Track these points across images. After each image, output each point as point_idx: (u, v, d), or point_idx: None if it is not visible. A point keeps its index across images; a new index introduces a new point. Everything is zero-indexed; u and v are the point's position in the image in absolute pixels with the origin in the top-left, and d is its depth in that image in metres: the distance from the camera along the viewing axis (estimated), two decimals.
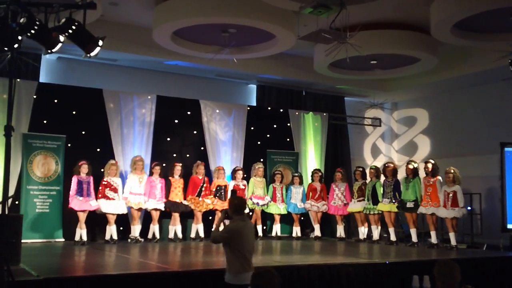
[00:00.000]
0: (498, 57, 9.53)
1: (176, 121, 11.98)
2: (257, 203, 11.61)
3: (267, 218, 12.23)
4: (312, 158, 13.44)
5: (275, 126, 13.18)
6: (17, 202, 9.97)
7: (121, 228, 10.61)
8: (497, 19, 9.19)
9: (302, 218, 12.36)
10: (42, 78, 10.94)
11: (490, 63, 10.71)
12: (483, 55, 11.16)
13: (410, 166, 10.87)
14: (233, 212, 5.46)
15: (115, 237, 10.14)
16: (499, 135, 11.70)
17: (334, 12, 7.62)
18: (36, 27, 5.17)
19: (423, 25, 10.17)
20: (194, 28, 9.68)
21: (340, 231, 11.97)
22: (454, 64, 12.01)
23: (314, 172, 12.34)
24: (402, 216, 11.75)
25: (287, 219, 12.14)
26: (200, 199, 10.98)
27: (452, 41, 10.06)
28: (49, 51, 5.65)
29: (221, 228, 5.55)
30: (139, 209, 10.49)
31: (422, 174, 10.83)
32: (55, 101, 10.73)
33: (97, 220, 10.34)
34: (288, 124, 13.31)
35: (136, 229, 10.47)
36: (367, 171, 11.77)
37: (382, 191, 11.16)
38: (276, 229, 11.89)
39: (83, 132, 10.90)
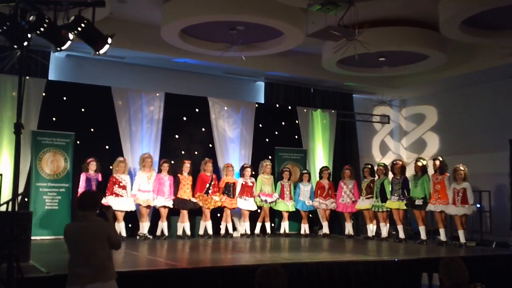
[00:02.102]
0: (506, 54, 9.49)
1: (185, 118, 11.99)
2: (265, 200, 11.61)
3: (275, 216, 12.22)
4: (320, 155, 13.42)
5: (283, 123, 13.17)
6: (26, 199, 10.03)
7: (130, 225, 10.64)
8: (506, 16, 9.14)
9: (310, 215, 12.35)
10: (51, 76, 10.99)
11: (499, 60, 10.67)
12: (491, 52, 11.09)
13: (419, 164, 10.84)
14: (78, 208, 4.70)
15: (123, 234, 10.17)
16: (508, 132, 11.65)
17: (342, 9, 7.60)
18: (45, 25, 5.19)
19: (431, 22, 10.12)
20: (202, 25, 9.68)
21: (349, 228, 11.95)
22: (463, 61, 11.95)
23: (323, 169, 12.32)
24: (410, 214, 11.71)
25: (295, 217, 12.14)
26: (208, 196, 10.99)
27: (461, 38, 10.00)
28: (58, 49, 5.68)
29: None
30: (148, 206, 10.52)
31: (430, 171, 10.80)
32: (64, 98, 10.77)
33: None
34: (296, 122, 13.29)
35: (144, 226, 10.50)
36: (376, 168, 11.74)
37: (390, 189, 11.13)
38: (285, 226, 11.89)
39: (92, 130, 10.93)
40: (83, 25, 5.57)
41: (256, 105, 12.86)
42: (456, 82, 13.03)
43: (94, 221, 4.57)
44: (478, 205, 11.24)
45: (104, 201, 10.05)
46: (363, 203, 11.63)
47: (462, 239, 10.02)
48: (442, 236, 10.38)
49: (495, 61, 11.17)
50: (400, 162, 11.41)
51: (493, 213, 11.87)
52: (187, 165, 11.03)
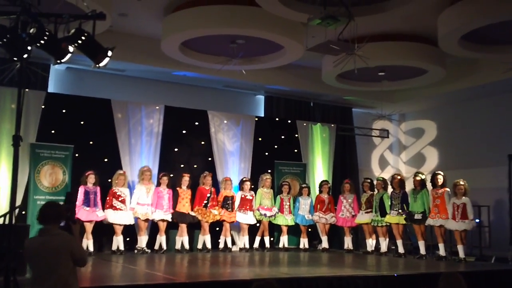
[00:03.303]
0: (506, 69, 9.52)
1: (184, 131, 11.98)
2: (265, 214, 11.57)
3: (274, 230, 12.18)
4: (320, 169, 13.41)
5: (283, 137, 13.17)
6: (24, 212, 9.97)
7: (128, 239, 10.59)
8: (504, 31, 9.18)
9: (309, 229, 12.31)
10: (51, 88, 10.99)
11: (498, 74, 10.70)
12: (491, 66, 11.13)
13: (418, 178, 10.85)
14: (38, 221, 4.43)
15: (121, 247, 10.13)
16: (507, 147, 11.63)
17: (342, 24, 7.61)
18: (45, 38, 5.20)
19: (431, 37, 10.16)
20: (203, 39, 9.71)
21: (348, 243, 11.91)
22: (462, 76, 11.98)
23: (322, 183, 12.30)
24: (410, 228, 11.68)
25: (294, 231, 12.09)
26: (207, 209, 10.95)
27: (460, 53, 10.04)
28: (58, 61, 5.68)
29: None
30: (146, 220, 10.48)
31: (429, 186, 10.78)
32: (63, 111, 10.76)
33: (103, 231, 10.33)
34: (296, 135, 13.30)
35: (143, 240, 10.45)
36: (375, 182, 11.73)
37: (389, 203, 11.11)
38: (284, 240, 11.84)
39: (91, 142, 10.91)
40: (83, 37, 5.58)
41: (256, 119, 12.86)
42: (455, 96, 13.05)
43: (56, 235, 4.28)
44: (478, 220, 11.21)
45: (103, 214, 10.03)
46: (363, 218, 11.60)
47: (461, 254, 9.99)
48: (442, 251, 10.35)
49: (494, 75, 11.20)
50: (399, 177, 11.42)
51: (492, 228, 11.83)
52: (186, 178, 11.00)
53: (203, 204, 10.95)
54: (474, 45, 9.84)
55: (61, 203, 6.44)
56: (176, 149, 11.86)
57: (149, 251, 10.44)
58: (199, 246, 11.00)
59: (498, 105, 12.69)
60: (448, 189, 10.37)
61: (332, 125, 13.81)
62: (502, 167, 11.28)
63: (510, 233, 10.83)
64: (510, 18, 8.47)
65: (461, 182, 10.16)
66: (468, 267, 9.19)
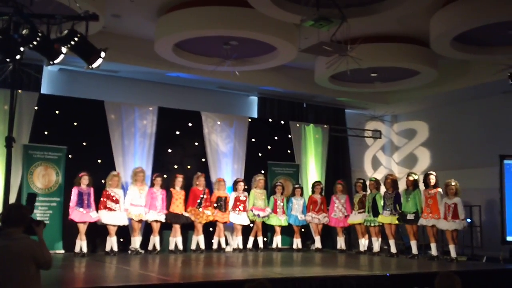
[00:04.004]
0: (497, 70, 9.58)
1: (178, 132, 11.99)
2: (258, 215, 11.60)
3: (267, 230, 12.21)
4: (312, 170, 13.45)
5: (276, 138, 13.20)
6: None
7: (122, 240, 10.59)
8: (496, 33, 9.24)
9: (303, 230, 12.35)
10: (44, 90, 10.97)
11: (490, 76, 10.76)
12: (482, 68, 11.19)
13: (411, 178, 10.91)
14: (2, 224, 4.11)
15: (115, 248, 10.13)
16: (499, 148, 11.72)
17: (335, 25, 7.65)
18: (38, 39, 5.21)
19: (423, 39, 10.22)
20: (196, 40, 9.73)
21: (341, 243, 11.95)
22: (454, 77, 12.04)
23: (315, 184, 12.34)
24: (402, 228, 11.74)
25: (287, 231, 12.12)
26: (201, 210, 10.97)
27: (452, 54, 10.10)
28: (51, 62, 5.69)
29: None
30: (140, 221, 10.48)
31: (422, 186, 10.84)
32: (57, 112, 10.75)
33: (97, 232, 10.32)
34: (289, 136, 13.33)
35: (136, 241, 10.45)
36: (367, 183, 11.78)
37: (382, 203, 11.17)
38: (277, 241, 11.87)
39: (84, 143, 10.90)
40: (76, 39, 5.60)
41: (249, 120, 12.89)
42: (447, 98, 13.13)
43: (19, 239, 4.01)
44: (469, 220, 11.27)
45: (97, 215, 10.03)
46: (355, 218, 11.65)
47: (453, 253, 10.05)
48: (434, 251, 10.41)
49: (486, 77, 11.27)
50: (392, 177, 11.47)
51: (483, 228, 11.90)
52: (179, 179, 11.01)
53: (197, 205, 10.96)
54: (466, 46, 9.91)
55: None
56: (169, 150, 11.86)
57: (142, 251, 10.45)
58: (193, 246, 11.01)
59: (489, 106, 12.77)
60: (440, 190, 10.43)
61: (325, 126, 13.85)
62: (493, 167, 11.34)
63: (501, 233, 10.90)
64: (502, 20, 8.53)
65: (453, 183, 10.22)
66: (460, 267, 9.24)
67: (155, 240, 10.62)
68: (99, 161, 11.02)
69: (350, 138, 14.64)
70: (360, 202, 11.64)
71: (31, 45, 5.22)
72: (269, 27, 9.20)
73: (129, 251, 10.37)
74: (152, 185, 10.84)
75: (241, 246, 11.41)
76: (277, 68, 11.55)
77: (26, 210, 4.28)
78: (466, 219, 10.37)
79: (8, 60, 5.07)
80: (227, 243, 11.51)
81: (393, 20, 9.50)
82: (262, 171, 12.43)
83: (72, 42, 5.60)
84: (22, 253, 3.95)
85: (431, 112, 14.43)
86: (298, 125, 13.48)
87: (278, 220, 11.82)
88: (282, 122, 13.36)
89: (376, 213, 11.21)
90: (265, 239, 12.06)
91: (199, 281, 7.00)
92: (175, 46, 10.04)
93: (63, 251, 10.20)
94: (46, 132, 10.55)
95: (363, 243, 11.65)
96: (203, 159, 12.09)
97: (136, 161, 11.25)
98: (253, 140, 12.77)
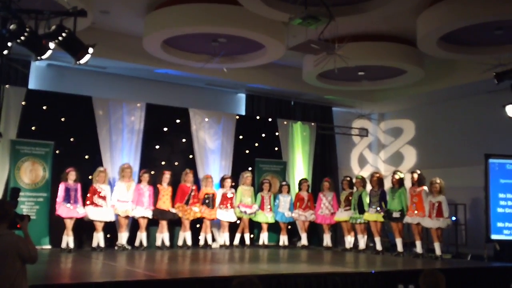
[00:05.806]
0: (483, 70, 9.67)
1: (165, 129, 11.99)
2: (245, 212, 11.63)
3: (254, 227, 12.25)
4: (300, 167, 13.51)
5: (263, 135, 13.24)
6: None
7: (108, 236, 10.57)
8: (483, 33, 9.34)
9: (289, 227, 12.40)
10: (32, 85, 10.92)
11: (476, 75, 10.85)
12: (469, 67, 11.29)
13: (396, 176, 10.99)
14: None
15: (102, 244, 10.12)
16: (484, 147, 11.85)
17: (323, 24, 7.69)
18: (26, 34, 5.22)
19: (410, 38, 10.30)
20: (185, 37, 9.74)
21: (327, 240, 12.03)
22: (441, 76, 12.15)
23: (302, 181, 12.40)
24: (388, 226, 11.83)
25: (274, 228, 12.17)
26: (188, 207, 10.99)
27: (438, 54, 10.19)
28: (39, 58, 5.69)
29: None
30: (127, 217, 10.48)
31: (408, 184, 10.94)
32: (44, 107, 10.72)
33: (84, 227, 10.32)
34: (277, 133, 13.38)
35: (123, 237, 10.46)
36: (354, 180, 11.86)
37: (368, 201, 11.25)
38: (263, 237, 11.92)
39: (72, 139, 10.88)
40: (64, 34, 5.60)
41: (237, 117, 12.92)
42: (433, 97, 13.23)
43: (3, 236, 4.01)
44: (454, 218, 11.39)
45: (84, 211, 10.01)
46: (342, 215, 11.72)
47: (438, 251, 10.14)
48: (419, 249, 10.51)
49: (472, 76, 11.37)
50: (378, 175, 11.55)
51: (468, 226, 12.03)
52: (167, 175, 11.02)
53: (184, 201, 10.98)
54: (452, 46, 10.00)
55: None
56: (157, 147, 11.86)
57: (129, 247, 10.46)
58: (180, 243, 11.03)
59: (475, 105, 12.88)
60: (425, 188, 10.51)
61: (312, 124, 13.92)
62: (478, 166, 11.46)
63: (486, 231, 11.02)
64: (488, 20, 8.62)
65: (437, 181, 10.31)
66: (445, 265, 9.32)
67: (142, 236, 10.62)
68: (87, 157, 11.00)
69: (337, 136, 14.72)
70: (346, 200, 11.72)
71: (19, 41, 5.22)
72: (257, 25, 9.23)
73: (116, 247, 10.37)
74: (139, 181, 10.83)
75: (227, 243, 11.45)
76: (265, 65, 11.58)
77: (9, 205, 4.29)
78: (450, 217, 10.48)
79: None
80: (213, 240, 11.54)
81: (380, 19, 9.57)
82: (250, 168, 12.48)
83: (60, 38, 5.61)
84: (6, 249, 3.95)
85: (417, 111, 14.54)
86: (285, 122, 13.54)
87: (265, 217, 11.87)
88: (270, 120, 13.40)
89: (362, 211, 11.30)
90: (251, 236, 12.10)
91: (186, 277, 7.02)
92: (163, 43, 10.04)
93: (49, 247, 10.18)
94: (33, 128, 10.50)
95: (349, 240, 11.73)
96: (191, 156, 12.10)
97: (123, 157, 11.24)
98: (241, 137, 12.80)
